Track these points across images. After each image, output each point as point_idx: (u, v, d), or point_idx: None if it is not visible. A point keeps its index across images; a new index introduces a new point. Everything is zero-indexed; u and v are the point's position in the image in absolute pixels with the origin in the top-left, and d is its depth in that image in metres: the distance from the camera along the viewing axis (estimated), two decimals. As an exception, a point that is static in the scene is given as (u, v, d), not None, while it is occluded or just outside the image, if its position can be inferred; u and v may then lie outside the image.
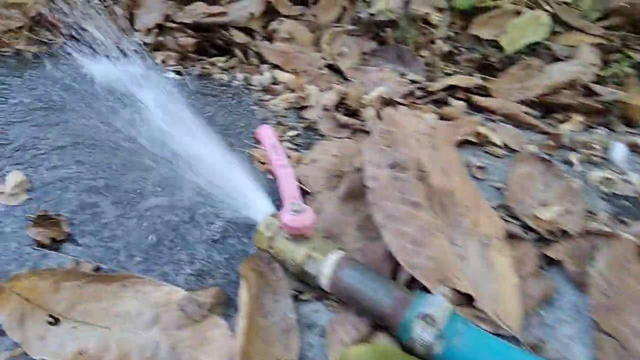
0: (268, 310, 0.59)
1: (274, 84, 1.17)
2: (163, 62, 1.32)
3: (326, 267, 0.58)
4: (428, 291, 0.57)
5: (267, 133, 0.78)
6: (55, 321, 0.56)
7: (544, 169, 0.82)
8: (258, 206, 0.69)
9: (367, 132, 0.94)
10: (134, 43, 1.31)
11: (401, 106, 0.69)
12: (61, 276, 0.60)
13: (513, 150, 0.94)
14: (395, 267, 0.61)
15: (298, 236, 0.61)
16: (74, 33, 1.20)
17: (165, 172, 0.80)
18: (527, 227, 0.73)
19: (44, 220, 0.70)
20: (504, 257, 0.64)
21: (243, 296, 0.57)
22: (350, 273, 0.58)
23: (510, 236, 0.68)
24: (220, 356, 0.54)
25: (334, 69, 1.38)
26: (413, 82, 1.22)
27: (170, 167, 0.80)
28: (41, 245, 0.67)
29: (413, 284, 0.60)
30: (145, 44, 1.35)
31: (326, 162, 0.76)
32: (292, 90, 1.11)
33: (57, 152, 0.86)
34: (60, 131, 0.92)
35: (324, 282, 0.59)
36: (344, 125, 0.94)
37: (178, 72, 1.25)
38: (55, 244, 0.67)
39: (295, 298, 0.61)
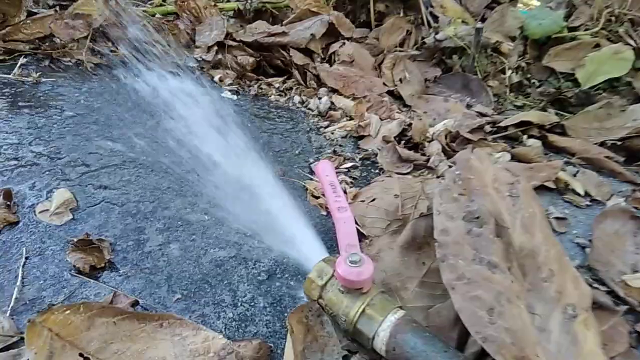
0: (315, 371, 0.52)
1: (331, 109, 1.12)
2: (220, 80, 1.30)
3: (383, 329, 0.52)
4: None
5: (326, 168, 0.73)
6: (85, 361, 0.52)
7: (635, 227, 0.72)
8: (310, 247, 0.63)
9: (431, 169, 0.87)
10: (193, 60, 1.31)
11: (477, 148, 0.62)
12: (96, 312, 0.56)
13: (596, 201, 0.85)
14: (464, 335, 0.54)
15: (353, 289, 0.54)
16: (135, 46, 1.20)
17: (214, 200, 0.76)
18: (615, 296, 0.63)
19: (85, 245, 0.67)
20: (590, 332, 0.55)
21: (289, 354, 0.51)
22: (411, 339, 0.51)
23: (598, 306, 0.59)
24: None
25: (394, 95, 1.32)
26: (481, 114, 1.14)
27: (220, 195, 0.76)
28: (80, 272, 0.64)
29: (483, 357, 0.52)
30: (204, 61, 1.34)
31: (386, 202, 0.70)
32: (351, 118, 1.06)
33: (106, 171, 0.84)
34: (112, 148, 0.90)
35: (380, 345, 0.52)
36: (405, 160, 0.88)
37: (235, 92, 1.22)
38: (94, 272, 0.64)
39: (345, 358, 0.54)
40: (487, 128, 1.03)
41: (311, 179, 0.83)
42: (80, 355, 0.52)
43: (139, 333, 0.55)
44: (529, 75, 1.55)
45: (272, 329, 0.58)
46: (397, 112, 1.07)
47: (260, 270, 0.66)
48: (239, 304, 0.61)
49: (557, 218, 0.76)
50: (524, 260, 0.57)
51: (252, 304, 0.61)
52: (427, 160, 0.88)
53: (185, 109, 0.99)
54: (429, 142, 0.92)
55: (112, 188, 0.79)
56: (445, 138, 0.92)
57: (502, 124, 1.08)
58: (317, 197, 0.77)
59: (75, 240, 0.67)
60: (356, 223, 0.69)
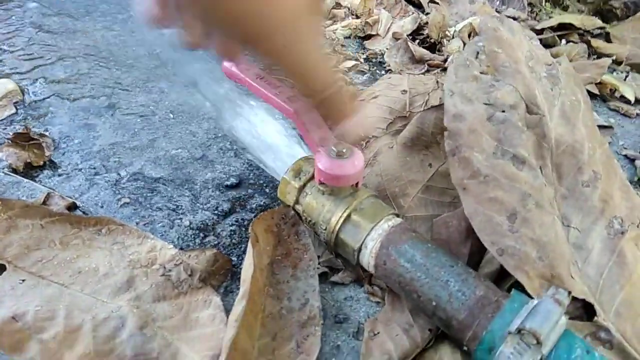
0: (283, 290, 0.42)
1: (335, 8, 0.97)
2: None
3: (373, 238, 0.40)
4: (526, 293, 0.37)
5: (240, 61, 0.50)
6: (0, 268, 0.42)
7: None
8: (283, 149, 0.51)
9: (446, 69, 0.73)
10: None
11: (509, 19, 0.48)
12: (19, 211, 0.46)
13: (648, 110, 0.71)
14: (478, 251, 0.42)
15: (338, 190, 0.43)
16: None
17: (180, 96, 0.64)
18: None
19: (24, 140, 0.56)
20: (643, 254, 0.43)
21: (247, 267, 0.40)
22: (407, 250, 0.39)
23: (652, 224, 0.46)
24: (205, 349, 0.38)
25: (412, 2, 1.16)
26: (513, 18, 0.98)
27: (187, 92, 0.64)
28: (15, 171, 0.53)
29: (502, 279, 0.41)
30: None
31: (391, 99, 0.57)
32: (357, 17, 0.91)
33: (63, 64, 0.72)
34: (74, 39, 0.78)
35: (368, 259, 0.41)
36: (418, 59, 0.74)
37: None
38: (31, 170, 0.54)
39: (324, 277, 0.44)
40: (520, 30, 0.88)
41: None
42: (-6, 261, 0.42)
43: (72, 239, 0.45)
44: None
45: (237, 240, 0.47)
46: (412, 13, 0.92)
47: (230, 175, 0.54)
48: (199, 211, 0.50)
49: (601, 126, 0.62)
50: (561, 159, 0.44)
51: (215, 211, 0.50)
52: (445, 61, 0.74)
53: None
54: (449, 40, 0.77)
55: (66, 82, 0.68)
56: (469, 37, 0.77)
57: (537, 27, 0.92)
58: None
59: (12, 134, 0.56)
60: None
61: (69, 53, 0.75)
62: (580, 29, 0.93)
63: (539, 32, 0.92)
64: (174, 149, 0.57)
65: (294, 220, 0.46)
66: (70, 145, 0.57)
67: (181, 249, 0.45)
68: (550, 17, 1.20)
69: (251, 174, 0.55)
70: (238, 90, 0.58)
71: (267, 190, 0.53)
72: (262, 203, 0.51)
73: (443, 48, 0.78)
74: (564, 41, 0.91)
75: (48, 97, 0.64)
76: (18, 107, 0.63)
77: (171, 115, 0.63)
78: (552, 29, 0.92)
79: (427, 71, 0.73)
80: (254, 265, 0.40)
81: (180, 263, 0.43)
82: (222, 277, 0.44)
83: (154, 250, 0.45)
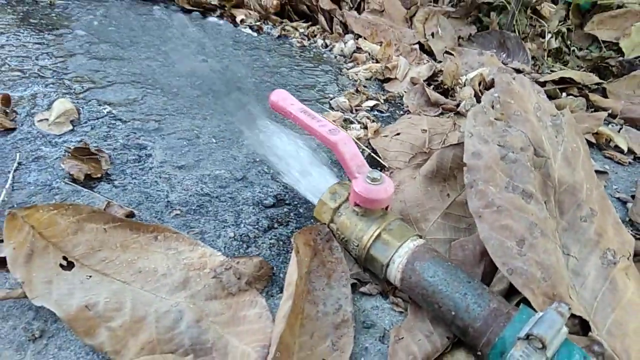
0: (319, 296, 0.48)
1: (357, 52, 1.06)
2: (242, 21, 1.24)
3: (400, 255, 0.46)
4: (532, 307, 0.43)
5: (285, 96, 0.57)
6: (68, 265, 0.48)
7: (686, 184, 0.65)
8: (321, 176, 0.58)
9: (460, 114, 0.81)
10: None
11: (520, 74, 0.55)
12: (86, 216, 0.52)
13: (639, 159, 0.78)
14: (490, 271, 0.48)
15: (370, 212, 0.49)
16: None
17: (222, 124, 0.71)
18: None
19: (83, 154, 0.62)
20: (632, 282, 0.49)
21: (291, 273, 0.46)
22: (430, 267, 0.45)
23: (640, 259, 0.53)
24: (253, 341, 0.43)
25: (424, 50, 1.25)
26: (518, 71, 1.07)
27: (227, 120, 0.71)
28: (74, 180, 0.60)
29: (510, 296, 0.47)
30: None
31: (412, 136, 0.64)
32: (377, 61, 0.99)
33: (113, 89, 0.79)
34: (121, 67, 0.86)
35: (395, 273, 0.47)
36: (434, 103, 0.81)
37: (256, 30, 1.16)
38: (90, 182, 0.60)
39: (353, 288, 0.49)
40: (524, 81, 0.96)
41: (330, 111, 0.77)
42: (64, 258, 0.48)
43: (131, 243, 0.51)
44: (568, 42, 1.46)
45: (276, 252, 0.53)
46: (427, 61, 1.00)
47: (268, 195, 0.61)
48: (242, 225, 0.56)
49: (597, 171, 0.69)
50: (563, 196, 0.51)
51: (256, 226, 0.56)
52: (457, 105, 0.82)
53: (201, 38, 0.94)
54: (461, 88, 0.85)
55: (117, 105, 0.75)
56: (479, 85, 0.85)
57: (540, 80, 1.00)
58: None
59: (72, 148, 0.62)
60: (377, 155, 0.64)
61: (117, 79, 0.82)
62: (579, 83, 1.01)
63: (542, 84, 1.00)
64: (218, 170, 0.64)
65: (329, 237, 0.52)
66: (125, 162, 0.63)
67: (227, 256, 0.51)
68: (552, 71, 1.29)
69: (286, 195, 0.61)
70: (278, 121, 0.65)
71: (300, 210, 0.59)
72: (297, 221, 0.57)
73: (455, 94, 0.85)
74: (564, 94, 0.99)
75: (102, 117, 0.71)
76: (75, 125, 0.69)
77: (214, 140, 0.69)
78: (554, 82, 1.01)
79: (442, 114, 0.80)
80: (297, 272, 0.46)
81: (230, 268, 0.49)
82: (265, 282, 0.50)
83: (204, 256, 0.51)
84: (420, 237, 0.49)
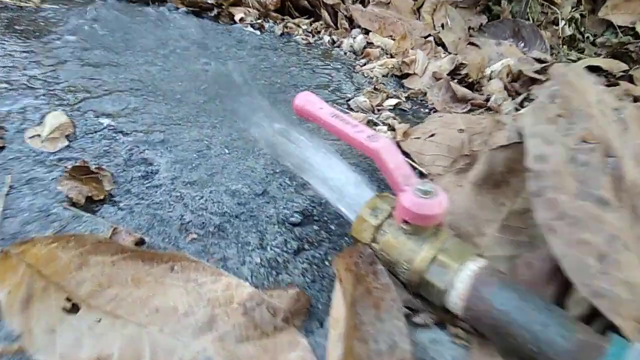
0: (368, 331, 0.41)
1: (368, 47, 0.99)
2: (241, 20, 1.17)
3: (462, 279, 0.40)
4: (620, 334, 0.37)
5: (313, 100, 0.51)
6: (73, 308, 0.41)
7: None
8: (353, 188, 0.51)
9: (491, 110, 0.74)
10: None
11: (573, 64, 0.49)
12: (91, 247, 0.45)
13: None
14: (563, 293, 0.42)
15: (419, 229, 0.42)
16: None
17: (234, 132, 0.64)
18: None
19: (82, 173, 0.55)
20: None
21: (337, 307, 0.39)
22: (499, 293, 0.39)
23: None
24: (297, 392, 0.37)
25: (435, 42, 1.18)
26: (540, 60, 1.00)
27: (239, 127, 0.64)
28: (74, 204, 0.53)
29: (594, 322, 0.40)
30: (224, -2, 1.21)
31: (449, 137, 0.57)
32: (391, 56, 0.92)
33: (111, 98, 0.72)
34: (117, 74, 0.78)
35: (456, 301, 0.40)
36: (461, 99, 0.75)
37: (258, 29, 1.09)
38: (91, 205, 0.53)
39: (406, 318, 0.43)
40: (551, 71, 0.89)
41: (349, 112, 0.71)
42: (68, 300, 0.41)
43: (144, 277, 0.44)
44: (582, 29, 1.40)
45: (310, 279, 0.46)
46: (444, 54, 0.94)
47: (294, 211, 0.54)
48: (268, 248, 0.49)
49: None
50: (636, 201, 0.44)
51: (284, 248, 0.49)
52: (486, 100, 0.75)
53: (201, 39, 0.87)
54: (487, 80, 0.79)
55: (117, 116, 0.68)
56: (507, 77, 0.79)
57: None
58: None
59: (70, 167, 0.55)
60: (412, 160, 0.57)
61: (115, 87, 0.75)
62: (606, 71, 0.95)
63: (567, 73, 0.93)
64: (234, 184, 0.57)
65: (372, 259, 0.45)
66: (130, 180, 0.56)
67: (255, 286, 0.44)
68: (570, 59, 1.23)
69: (314, 210, 0.54)
70: (298, 125, 0.58)
71: (332, 227, 0.52)
72: (329, 240, 0.51)
73: (483, 88, 0.79)
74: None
75: (100, 130, 0.64)
76: (71, 140, 0.62)
77: (226, 151, 0.62)
78: (581, 70, 0.94)
79: (470, 110, 0.74)
80: (345, 306, 0.39)
81: (262, 302, 0.42)
82: (303, 316, 0.43)
83: (229, 288, 0.44)
84: (481, 256, 0.42)
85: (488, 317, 0.39)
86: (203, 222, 0.51)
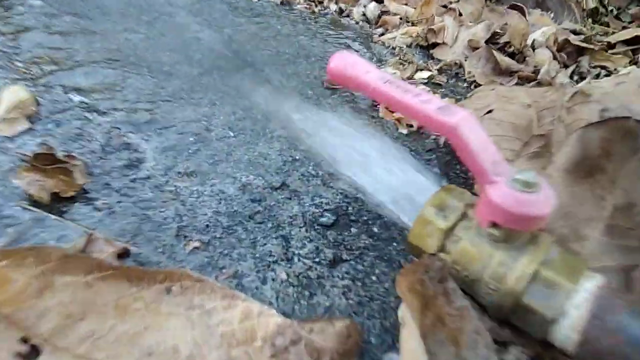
0: (448, 377, 0.30)
1: (385, 15, 0.87)
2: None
3: (577, 304, 0.29)
4: None
5: (353, 61, 0.36)
6: (32, 353, 0.29)
7: None
8: (394, 178, 0.39)
9: (541, 84, 0.63)
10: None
11: None
12: (57, 263, 0.33)
13: None
14: None
15: (512, 236, 0.31)
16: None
17: (239, 110, 0.52)
18: None
19: (47, 163, 0.43)
20: None
21: (407, 340, 0.28)
22: (632, 323, 0.28)
23: None
24: None
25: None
26: (573, 32, 0.89)
27: (244, 104, 0.52)
28: (35, 203, 0.40)
29: None
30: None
31: (512, 114, 0.46)
32: (413, 24, 0.81)
33: (84, 70, 0.59)
34: (92, 43, 0.65)
35: (569, 333, 0.29)
36: (504, 71, 0.64)
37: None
38: (59, 204, 0.40)
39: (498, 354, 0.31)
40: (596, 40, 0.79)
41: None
42: (24, 340, 0.29)
43: (131, 303, 0.33)
44: (606, 1, 1.29)
45: (355, 300, 0.35)
46: (470, 23, 0.82)
47: (323, 209, 0.42)
48: (295, 259, 0.37)
49: None
50: None
51: (317, 258, 0.38)
52: (534, 72, 0.64)
53: (191, 4, 0.74)
54: (533, 50, 0.67)
55: (91, 91, 0.55)
56: (554, 44, 0.68)
57: (608, 40, 0.83)
58: (392, 111, 0.53)
59: (31, 155, 0.43)
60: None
61: (88, 58, 0.62)
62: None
63: (611, 45, 0.83)
64: (244, 176, 0.45)
65: (441, 275, 0.33)
66: (109, 171, 0.44)
67: (283, 313, 0.33)
68: (595, 33, 1.13)
69: (349, 208, 0.43)
70: (317, 101, 0.46)
71: (374, 229, 0.41)
72: (373, 247, 0.39)
73: (527, 58, 0.68)
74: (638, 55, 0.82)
75: (71, 109, 0.52)
76: (33, 121, 0.49)
77: (231, 133, 0.50)
78: (625, 42, 0.84)
79: (517, 84, 0.63)
80: (420, 344, 0.27)
81: (299, 340, 0.30)
82: (355, 357, 0.31)
83: (249, 317, 0.32)
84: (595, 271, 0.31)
85: (618, 355, 0.28)
86: (207, 225, 0.39)
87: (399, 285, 0.32)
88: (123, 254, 0.37)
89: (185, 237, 0.38)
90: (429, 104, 0.33)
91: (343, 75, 0.36)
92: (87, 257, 0.35)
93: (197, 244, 0.38)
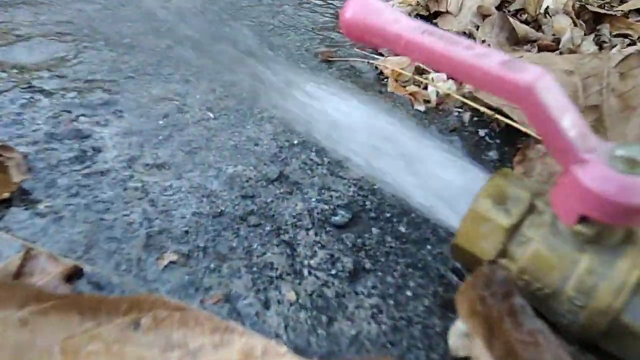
0: None
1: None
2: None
3: None
4: None
5: (379, 9, 0.28)
6: None
7: None
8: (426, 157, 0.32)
9: (561, 53, 0.56)
10: None
11: None
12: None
13: None
14: None
15: (606, 234, 0.23)
16: None
17: (218, 87, 0.43)
18: None
19: (-27, 155, 0.33)
20: None
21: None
22: None
23: None
24: None
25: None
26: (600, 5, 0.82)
27: (227, 78, 0.43)
28: (-42, 208, 0.31)
29: None
30: None
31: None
32: (412, -10, 0.72)
33: (27, 45, 0.49)
34: (37, 14, 0.55)
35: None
36: (521, 40, 0.56)
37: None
38: (-11, 208, 0.31)
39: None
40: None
41: (379, 57, 0.51)
42: None
43: (84, 343, 0.24)
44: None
45: (388, 324, 0.26)
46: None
47: (335, 206, 0.34)
48: (305, 271, 0.29)
49: None
50: None
51: (332, 270, 0.29)
52: (554, 42, 0.56)
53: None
54: (550, 17, 0.60)
55: (35, 68, 0.45)
56: (573, 9, 0.61)
57: (621, 8, 0.76)
58: (405, 85, 0.45)
59: (-49, 147, 0.33)
60: (506, 117, 0.38)
61: (33, 31, 0.52)
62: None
63: (625, 14, 0.76)
64: (231, 166, 0.36)
65: (506, 289, 0.25)
66: (56, 164, 0.34)
67: (296, 349, 0.24)
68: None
69: (367, 203, 0.34)
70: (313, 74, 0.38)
71: (401, 228, 0.33)
72: (402, 251, 0.31)
73: (544, 26, 0.60)
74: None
75: (9, 90, 0.42)
76: (-40, 106, 0.39)
77: (210, 114, 0.41)
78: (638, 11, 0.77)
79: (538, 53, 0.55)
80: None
81: (324, 391, 0.22)
82: (401, 410, 0.23)
83: (250, 358, 0.24)
84: None
85: None
86: (186, 232, 0.30)
87: (460, 308, 0.24)
88: (73, 275, 0.28)
89: (158, 248, 0.29)
90: (488, 58, 0.24)
91: (363, 26, 0.28)
92: (20, 283, 0.26)
93: (173, 257, 0.29)
